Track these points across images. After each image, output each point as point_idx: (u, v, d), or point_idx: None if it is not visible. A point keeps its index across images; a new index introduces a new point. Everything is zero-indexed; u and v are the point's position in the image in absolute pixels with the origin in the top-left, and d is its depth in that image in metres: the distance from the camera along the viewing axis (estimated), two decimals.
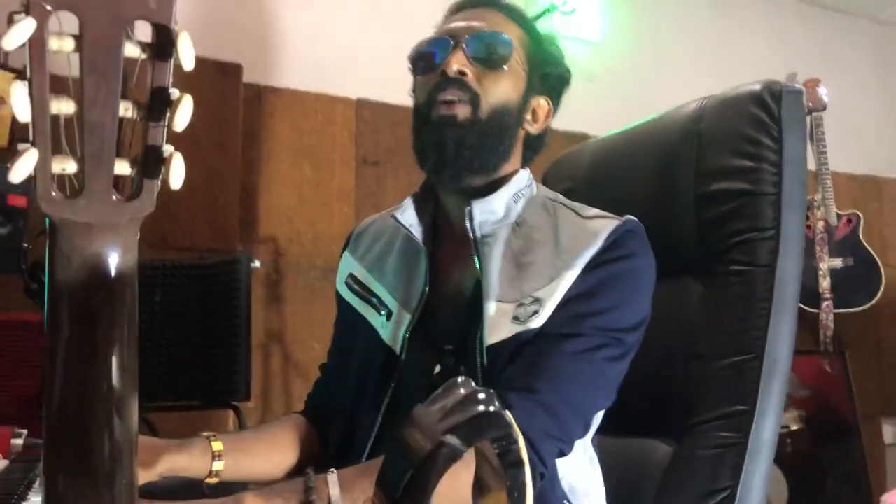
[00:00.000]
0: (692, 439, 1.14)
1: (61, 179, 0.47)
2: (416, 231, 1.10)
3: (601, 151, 1.45)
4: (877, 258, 3.23)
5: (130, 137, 0.52)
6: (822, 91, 3.18)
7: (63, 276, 0.46)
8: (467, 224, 1.04)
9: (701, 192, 1.22)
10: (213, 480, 1.00)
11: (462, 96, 1.03)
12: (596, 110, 2.58)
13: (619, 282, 0.99)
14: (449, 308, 1.07)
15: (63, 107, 0.48)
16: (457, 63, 1.04)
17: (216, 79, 2.39)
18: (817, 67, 3.32)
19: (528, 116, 1.11)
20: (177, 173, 0.52)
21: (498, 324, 0.98)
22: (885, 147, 3.79)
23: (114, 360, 0.46)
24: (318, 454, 1.15)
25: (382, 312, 1.09)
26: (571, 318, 0.96)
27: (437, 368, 1.04)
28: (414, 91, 1.11)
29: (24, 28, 0.44)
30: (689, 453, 1.13)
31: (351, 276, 1.19)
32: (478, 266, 1.02)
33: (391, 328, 1.07)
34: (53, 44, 0.46)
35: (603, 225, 1.02)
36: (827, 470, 3.47)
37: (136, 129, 0.51)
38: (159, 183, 0.51)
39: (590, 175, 1.42)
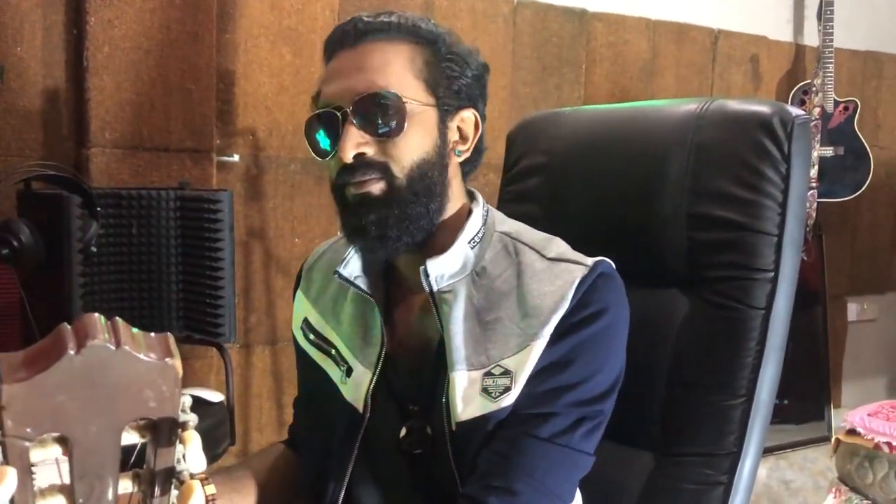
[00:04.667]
0: (676, 469, 1.15)
1: None
2: (363, 283, 1.03)
3: (582, 128, 1.34)
4: (868, 149, 3.18)
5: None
6: None
7: None
8: (423, 281, 0.98)
9: (694, 212, 1.16)
10: None
11: (371, 174, 0.95)
12: None
13: (592, 346, 0.94)
14: (411, 362, 1.02)
15: (51, 503, 0.43)
16: (351, 147, 0.93)
17: None
18: None
19: (453, 145, 1.01)
20: None
21: (467, 396, 0.94)
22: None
23: None
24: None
25: (342, 368, 1.05)
26: (543, 394, 0.93)
27: (404, 431, 1.01)
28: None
29: (5, 490, 0.38)
30: (673, 484, 1.15)
31: (306, 321, 1.13)
32: (440, 328, 0.97)
33: (352, 386, 1.03)
34: (37, 455, 0.40)
35: (570, 276, 0.94)
36: (790, 336, 3.64)
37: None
38: None
39: (568, 153, 1.33)
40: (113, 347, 0.38)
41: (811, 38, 3.42)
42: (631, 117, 1.30)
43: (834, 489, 2.47)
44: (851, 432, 2.40)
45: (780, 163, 1.11)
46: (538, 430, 0.92)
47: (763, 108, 1.14)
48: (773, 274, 1.11)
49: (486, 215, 1.04)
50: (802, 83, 3.30)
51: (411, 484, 1.02)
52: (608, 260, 0.99)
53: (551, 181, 1.33)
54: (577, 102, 2.93)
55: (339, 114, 0.94)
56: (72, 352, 0.37)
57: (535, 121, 1.40)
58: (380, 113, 0.93)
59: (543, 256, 0.98)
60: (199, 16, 2.18)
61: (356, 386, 1.02)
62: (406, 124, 0.94)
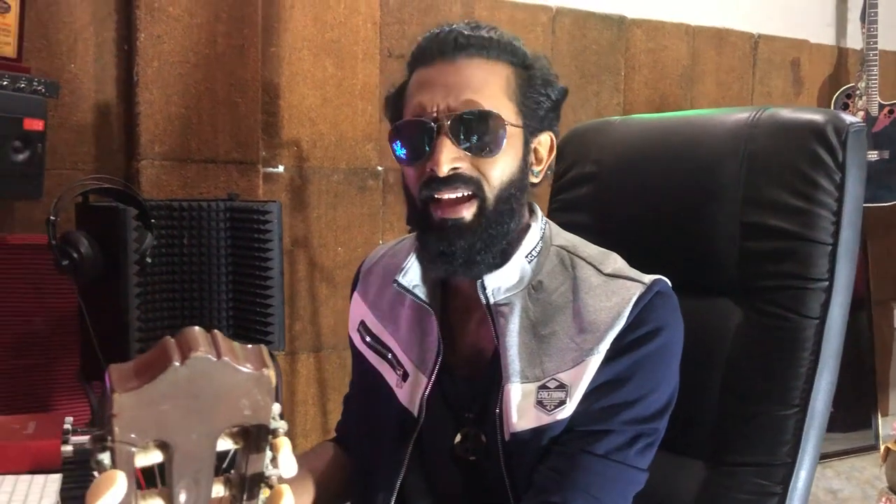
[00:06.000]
0: (729, 479, 1.14)
1: None
2: (421, 291, 1.04)
3: (632, 137, 1.35)
4: None
5: None
6: None
7: None
8: (480, 294, 0.99)
9: (747, 221, 1.16)
10: None
11: (464, 190, 0.95)
12: None
13: (649, 364, 0.95)
14: (465, 370, 1.04)
15: None
16: (447, 161, 0.93)
17: None
18: None
19: (531, 166, 1.02)
20: None
21: (522, 407, 0.95)
22: None
23: None
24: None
25: (398, 372, 1.06)
26: (600, 411, 0.94)
27: (458, 437, 1.03)
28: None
29: (115, 494, 0.40)
30: (726, 494, 1.14)
31: (362, 323, 1.14)
32: (495, 340, 0.99)
33: (407, 390, 1.04)
34: (140, 460, 0.43)
35: (627, 294, 0.95)
36: None
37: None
38: None
39: (618, 162, 1.34)
40: (214, 359, 0.40)
41: (854, 40, 3.38)
42: (681, 126, 1.30)
43: (884, 498, 2.43)
44: None
45: (835, 171, 1.11)
46: (595, 446, 0.93)
47: (816, 117, 1.14)
48: (827, 283, 1.11)
49: (545, 229, 1.05)
50: (845, 87, 3.26)
51: (462, 490, 1.04)
52: (665, 279, 0.99)
53: (601, 190, 1.34)
54: (616, 110, 2.93)
55: (434, 125, 0.94)
56: (177, 363, 0.39)
57: (584, 130, 1.41)
58: (480, 131, 0.94)
59: (600, 272, 0.99)
60: (245, 30, 2.22)
61: (412, 391, 1.04)
62: (504, 144, 0.95)
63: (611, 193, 1.33)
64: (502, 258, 0.99)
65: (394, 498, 1.04)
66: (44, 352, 1.95)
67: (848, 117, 1.13)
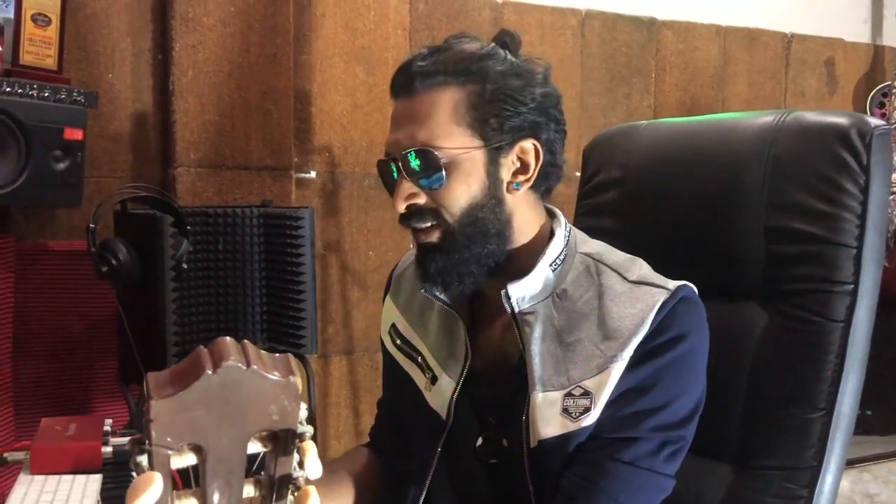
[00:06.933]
0: (755, 482, 1.15)
1: None
2: (449, 297, 1.07)
3: (658, 142, 1.35)
4: None
5: None
6: None
7: None
8: (504, 303, 1.00)
9: (772, 225, 1.16)
10: None
11: (424, 222, 1.00)
12: None
13: (673, 371, 0.95)
14: (493, 377, 1.05)
15: None
16: (401, 199, 0.99)
17: None
18: None
19: (511, 178, 1.00)
20: None
21: (547, 416, 0.96)
22: None
23: None
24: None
25: (427, 375, 1.09)
26: (626, 418, 0.94)
27: (480, 440, 1.04)
28: None
29: (152, 494, 0.43)
30: (752, 497, 1.14)
31: (394, 326, 1.17)
32: (521, 347, 1.00)
33: (436, 393, 1.07)
34: (175, 462, 0.45)
35: (651, 300, 0.95)
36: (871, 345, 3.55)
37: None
38: None
39: (644, 167, 1.34)
40: (244, 367, 0.43)
41: (890, 37, 3.34)
42: (706, 130, 1.31)
43: None
44: None
45: (859, 174, 1.11)
46: (621, 454, 0.94)
47: (840, 120, 1.13)
48: (852, 286, 1.11)
49: (569, 236, 1.05)
50: (882, 85, 3.21)
51: (487, 493, 1.06)
52: (691, 284, 0.99)
53: (627, 195, 1.34)
54: (646, 112, 2.93)
55: (393, 165, 0.99)
56: (209, 371, 0.42)
57: (611, 135, 1.42)
58: (422, 167, 0.96)
59: (625, 279, 0.99)
60: (277, 39, 2.26)
61: (440, 394, 1.06)
62: (446, 175, 0.96)
63: (636, 198, 1.34)
64: (508, 256, 1.02)
65: (423, 494, 1.06)
66: (84, 356, 2.01)
67: (873, 120, 1.13)
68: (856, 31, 3.35)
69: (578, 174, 1.42)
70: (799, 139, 1.16)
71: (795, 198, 1.15)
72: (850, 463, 2.97)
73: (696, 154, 1.29)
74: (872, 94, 3.21)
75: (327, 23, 2.41)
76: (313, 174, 2.43)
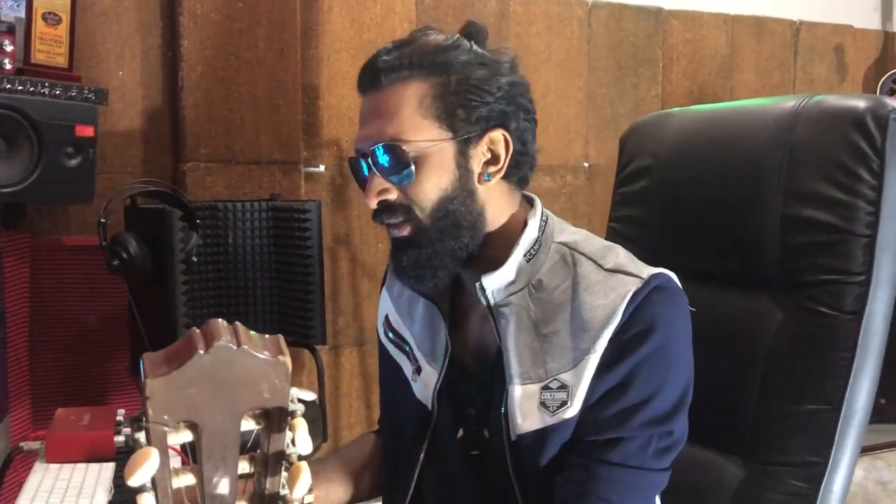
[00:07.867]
0: (765, 478, 1.13)
1: None
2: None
3: (684, 129, 1.34)
4: None
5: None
6: None
7: None
8: (480, 296, 1.00)
9: (788, 213, 1.14)
10: None
11: (396, 217, 0.99)
12: None
13: (651, 364, 0.92)
14: (471, 365, 1.06)
15: (183, 480, 0.49)
16: (373, 196, 0.97)
17: None
18: None
19: (482, 169, 0.99)
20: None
21: (525, 409, 0.95)
22: None
23: None
24: None
25: (413, 366, 1.10)
26: (610, 419, 0.93)
27: (461, 432, 1.05)
28: None
29: (149, 467, 0.45)
30: (763, 493, 1.13)
31: (387, 318, 1.19)
32: (498, 341, 1.00)
33: (421, 384, 1.08)
34: (172, 439, 0.47)
35: (623, 289, 0.93)
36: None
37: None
38: None
39: (671, 155, 1.33)
40: (235, 347, 0.45)
41: None
42: (731, 117, 1.28)
43: None
44: None
45: (873, 160, 1.07)
46: (609, 455, 0.93)
47: (856, 103, 1.10)
48: (864, 277, 1.08)
49: (545, 225, 1.03)
50: (892, 72, 3.20)
51: (472, 483, 1.06)
52: (667, 272, 0.97)
53: (656, 184, 1.33)
54: (654, 101, 2.93)
55: (363, 162, 0.98)
56: (201, 351, 0.44)
57: (643, 123, 1.41)
58: (390, 162, 0.95)
59: (601, 267, 0.97)
60: (285, 34, 2.28)
61: (425, 385, 1.07)
62: (415, 169, 0.95)
63: (664, 186, 1.32)
64: (478, 246, 1.01)
65: (412, 484, 1.07)
66: (97, 348, 2.05)
67: (891, 102, 1.09)
68: (865, 17, 3.33)
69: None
70: (816, 125, 1.13)
71: (811, 185, 1.12)
72: (865, 451, 2.96)
73: (718, 141, 1.26)
74: (882, 80, 3.20)
75: (334, 17, 2.43)
76: (322, 168, 2.45)
